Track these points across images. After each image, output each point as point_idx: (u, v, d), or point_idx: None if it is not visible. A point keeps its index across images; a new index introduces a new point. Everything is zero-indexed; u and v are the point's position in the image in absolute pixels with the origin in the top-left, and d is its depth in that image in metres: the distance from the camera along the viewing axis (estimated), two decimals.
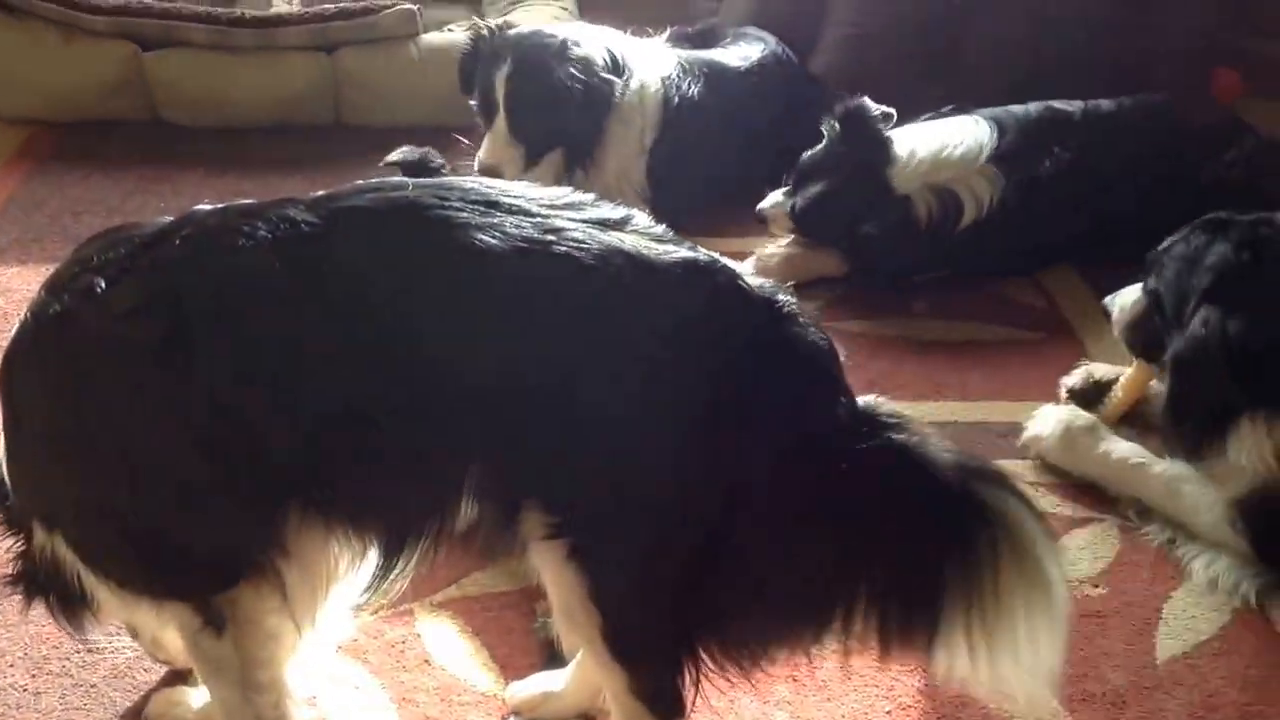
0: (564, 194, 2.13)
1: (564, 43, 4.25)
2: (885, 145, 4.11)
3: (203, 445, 2.03)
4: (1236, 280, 2.97)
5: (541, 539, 2.07)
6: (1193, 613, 2.87)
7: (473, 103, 4.37)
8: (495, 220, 2.00)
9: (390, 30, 5.23)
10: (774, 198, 4.34)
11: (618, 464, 2.01)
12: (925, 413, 3.56)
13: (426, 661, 2.72)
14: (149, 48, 5.17)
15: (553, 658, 2.65)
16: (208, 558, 2.13)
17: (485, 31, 4.33)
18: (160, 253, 2.05)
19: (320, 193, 2.11)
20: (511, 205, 2.04)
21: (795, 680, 2.64)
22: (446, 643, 2.76)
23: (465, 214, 2.00)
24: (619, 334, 2.00)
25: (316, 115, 5.29)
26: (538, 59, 4.20)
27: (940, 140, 4.16)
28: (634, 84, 4.38)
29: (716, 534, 2.07)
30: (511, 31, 4.31)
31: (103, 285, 2.02)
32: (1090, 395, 3.45)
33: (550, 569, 2.11)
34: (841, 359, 2.19)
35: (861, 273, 4.24)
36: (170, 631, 2.38)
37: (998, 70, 5.03)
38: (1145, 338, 3.25)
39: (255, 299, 2.01)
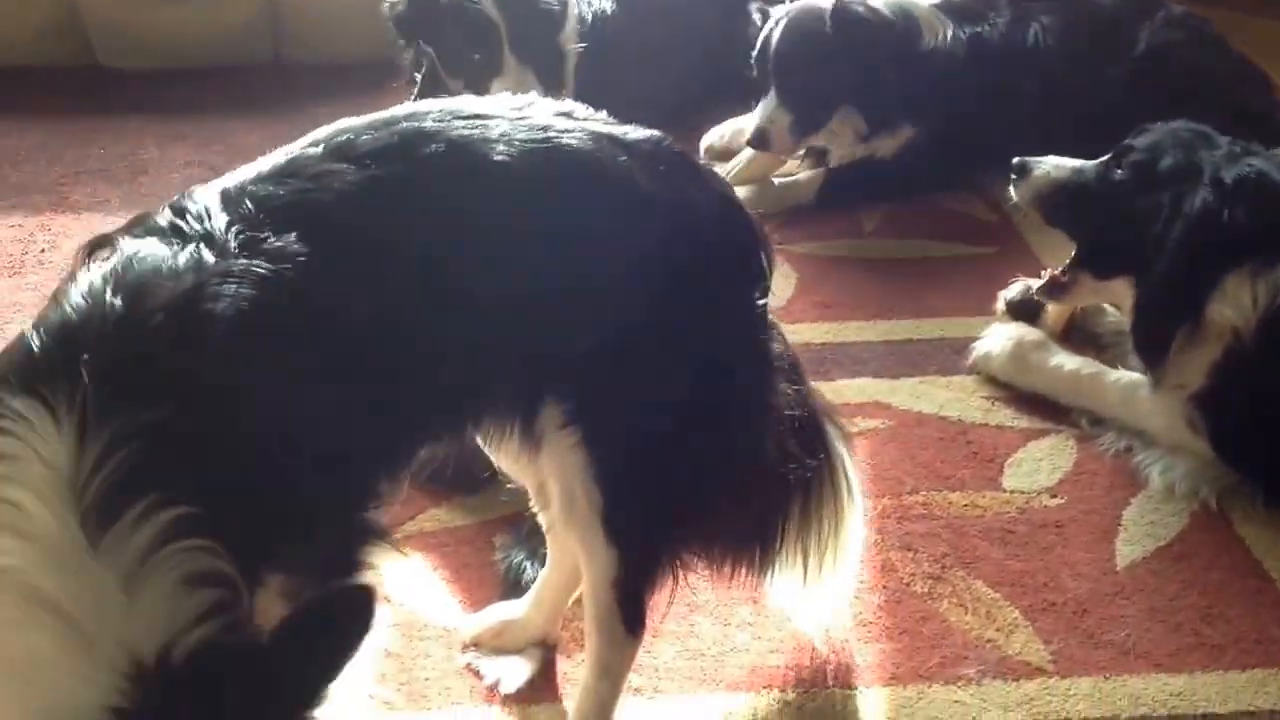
0: (513, 98, 2.15)
1: None
2: None
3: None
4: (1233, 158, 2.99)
5: (557, 429, 2.11)
6: (1151, 519, 2.88)
7: (421, 50, 4.10)
8: (500, 131, 1.99)
9: None
10: (764, 110, 4.13)
11: (623, 345, 2.04)
12: (881, 332, 3.56)
13: (385, 599, 2.69)
14: None
15: (511, 590, 2.64)
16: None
17: None
18: (281, 199, 1.87)
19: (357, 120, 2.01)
20: (497, 115, 2.03)
21: (755, 602, 2.63)
22: (405, 579, 2.73)
23: (470, 131, 1.99)
24: (622, 214, 2.04)
25: (254, 54, 5.17)
26: None
27: None
28: None
29: (697, 425, 2.14)
30: None
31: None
32: (1029, 308, 3.44)
33: (559, 456, 2.14)
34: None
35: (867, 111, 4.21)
36: None
37: None
38: (1072, 207, 3.23)
39: (368, 229, 1.88)
